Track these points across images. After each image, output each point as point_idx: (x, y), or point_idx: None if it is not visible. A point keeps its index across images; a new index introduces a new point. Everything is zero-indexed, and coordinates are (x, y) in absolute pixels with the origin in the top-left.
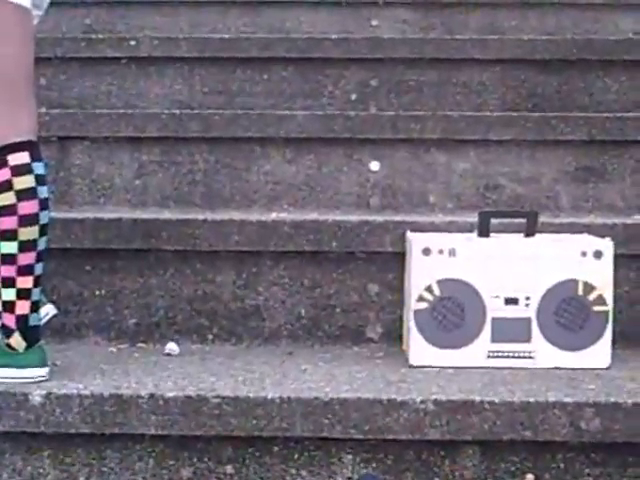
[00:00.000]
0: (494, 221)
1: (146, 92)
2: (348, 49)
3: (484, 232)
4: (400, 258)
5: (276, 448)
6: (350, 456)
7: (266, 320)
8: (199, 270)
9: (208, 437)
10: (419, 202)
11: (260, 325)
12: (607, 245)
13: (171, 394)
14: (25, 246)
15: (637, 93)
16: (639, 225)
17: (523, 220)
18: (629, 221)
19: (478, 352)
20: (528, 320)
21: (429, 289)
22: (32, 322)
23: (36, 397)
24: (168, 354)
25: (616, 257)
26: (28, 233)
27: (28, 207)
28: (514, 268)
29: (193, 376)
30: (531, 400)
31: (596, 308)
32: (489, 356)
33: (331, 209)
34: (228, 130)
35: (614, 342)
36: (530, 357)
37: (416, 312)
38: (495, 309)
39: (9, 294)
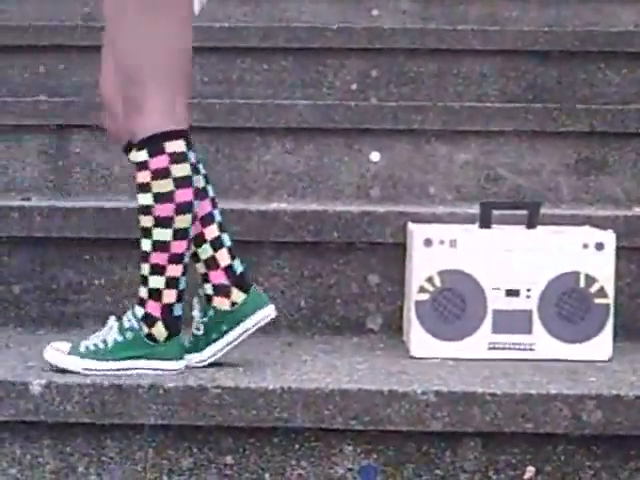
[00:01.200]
0: (495, 212)
1: None
2: (348, 39)
3: (485, 223)
4: (400, 249)
5: (276, 439)
6: (351, 447)
7: None
8: None
9: (208, 427)
10: (419, 193)
11: None
12: (609, 237)
13: (171, 384)
14: (179, 234)
15: (638, 85)
16: None
17: (524, 212)
18: (630, 213)
19: (479, 344)
20: (529, 312)
21: (430, 280)
22: (176, 312)
23: (36, 386)
24: None
25: (617, 249)
26: (183, 221)
27: (184, 195)
28: (515, 260)
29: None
30: (532, 392)
31: (597, 300)
32: (490, 348)
33: (331, 199)
34: (228, 120)
35: (615, 334)
36: (531, 349)
37: (417, 303)
38: (496, 301)
39: (158, 282)
